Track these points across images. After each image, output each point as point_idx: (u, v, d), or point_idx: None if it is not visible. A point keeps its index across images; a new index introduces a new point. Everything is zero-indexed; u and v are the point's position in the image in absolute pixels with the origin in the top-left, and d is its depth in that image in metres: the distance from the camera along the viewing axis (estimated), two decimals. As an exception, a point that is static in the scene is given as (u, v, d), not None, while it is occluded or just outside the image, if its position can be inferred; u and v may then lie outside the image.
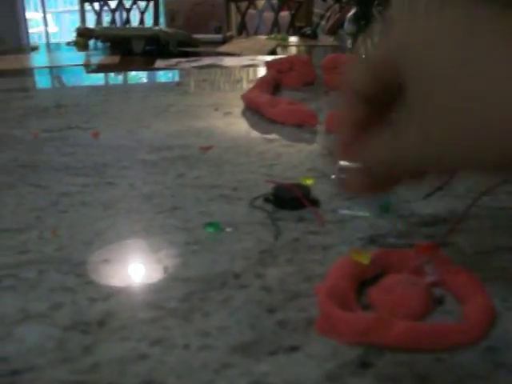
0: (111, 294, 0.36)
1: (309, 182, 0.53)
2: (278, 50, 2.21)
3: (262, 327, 0.33)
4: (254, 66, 1.77)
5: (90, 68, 1.99)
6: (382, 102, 0.32)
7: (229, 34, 2.52)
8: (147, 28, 2.60)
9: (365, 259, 0.37)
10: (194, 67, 1.79)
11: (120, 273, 0.39)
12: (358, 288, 0.36)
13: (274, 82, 0.88)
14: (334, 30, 3.76)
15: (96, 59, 2.08)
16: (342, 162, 0.52)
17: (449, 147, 0.27)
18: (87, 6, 3.36)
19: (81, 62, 2.06)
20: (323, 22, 4.23)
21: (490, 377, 0.29)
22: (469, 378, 0.29)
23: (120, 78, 1.20)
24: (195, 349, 0.31)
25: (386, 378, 0.29)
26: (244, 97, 0.79)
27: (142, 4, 3.28)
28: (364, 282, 0.36)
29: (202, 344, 0.31)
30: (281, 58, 0.95)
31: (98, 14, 3.33)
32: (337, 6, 3.81)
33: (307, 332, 0.32)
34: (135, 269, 0.39)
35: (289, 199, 0.47)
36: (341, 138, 0.35)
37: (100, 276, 0.38)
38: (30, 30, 5.43)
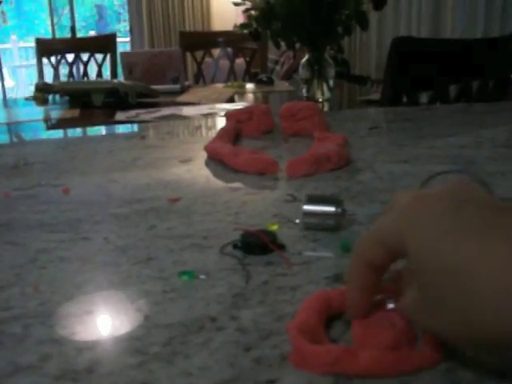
0: (97, 343, 0.38)
1: (274, 227, 0.56)
2: (236, 97, 2.27)
3: (241, 365, 0.35)
4: (213, 114, 1.82)
5: (50, 123, 2.01)
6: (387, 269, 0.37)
7: (186, 83, 2.58)
8: (106, 81, 2.64)
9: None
10: (155, 118, 1.83)
11: (103, 323, 0.41)
12: (326, 322, 0.39)
13: (235, 132, 0.92)
14: (288, 75, 3.86)
15: (56, 113, 2.11)
16: (306, 207, 0.55)
17: (436, 329, 0.33)
18: (44, 60, 3.39)
19: (40, 117, 2.08)
20: (278, 68, 4.34)
21: (448, 397, 0.32)
22: (429, 399, 0.32)
23: (83, 133, 1.23)
24: (180, 389, 0.33)
25: (355, 404, 0.32)
26: (207, 148, 0.82)
27: (99, 57, 3.34)
28: (331, 316, 0.40)
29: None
30: (240, 108, 0.99)
31: (56, 68, 3.36)
32: (290, 52, 3.93)
33: (282, 366, 0.35)
34: (117, 318, 0.42)
35: (256, 245, 0.51)
36: (350, 300, 0.38)
37: (84, 327, 0.41)
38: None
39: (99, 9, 6.92)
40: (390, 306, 0.39)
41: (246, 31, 2.04)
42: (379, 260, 0.35)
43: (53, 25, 5.74)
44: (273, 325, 0.40)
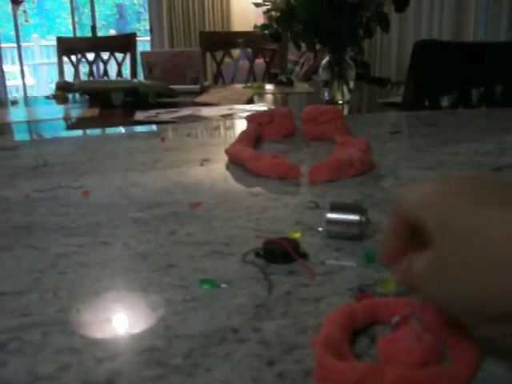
0: (116, 353, 0.38)
1: (296, 234, 0.55)
2: (255, 98, 2.26)
3: (263, 380, 0.35)
4: (233, 115, 1.82)
5: (70, 121, 2.02)
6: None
7: (206, 83, 2.57)
8: (126, 80, 2.64)
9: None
10: (174, 118, 1.83)
11: (123, 332, 0.40)
12: (351, 337, 0.38)
13: (256, 135, 0.91)
14: (308, 77, 3.85)
15: (76, 112, 2.11)
16: (329, 214, 0.54)
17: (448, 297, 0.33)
18: (65, 59, 3.41)
19: (60, 116, 2.09)
20: (297, 68, 4.33)
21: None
22: (459, 421, 0.31)
23: (103, 133, 1.22)
24: (201, 404, 0.33)
25: (382, 425, 0.31)
26: (228, 151, 0.82)
27: (119, 56, 3.34)
28: (356, 331, 0.39)
29: (207, 399, 0.33)
30: (261, 111, 0.98)
31: (76, 67, 3.38)
32: (310, 53, 3.91)
33: (306, 382, 0.34)
34: (137, 327, 0.41)
35: (279, 253, 0.50)
36: (387, 246, 0.39)
37: (104, 335, 0.40)
38: (7, 83, 5.46)
39: (119, 8, 6.95)
40: (395, 319, 0.38)
41: (266, 32, 2.03)
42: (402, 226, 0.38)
43: (74, 23, 5.77)
44: (296, 338, 0.39)
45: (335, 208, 0.55)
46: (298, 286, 0.46)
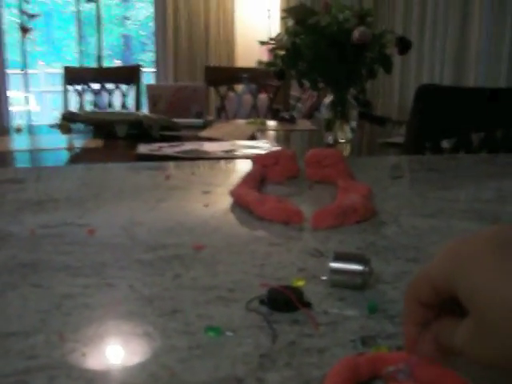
0: (122, 401, 0.38)
1: (300, 283, 0.56)
2: (258, 134, 2.28)
3: (267, 435, 0.35)
4: (235, 151, 1.83)
5: (73, 152, 2.03)
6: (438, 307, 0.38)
7: (209, 118, 2.60)
8: (130, 113, 2.67)
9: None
10: (177, 152, 1.84)
11: (128, 378, 0.41)
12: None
13: (260, 177, 0.93)
14: (310, 114, 3.89)
15: (79, 143, 2.13)
16: (333, 264, 0.55)
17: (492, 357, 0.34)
18: (70, 87, 3.45)
19: (64, 146, 2.11)
20: (300, 105, 4.37)
21: None
22: None
23: (108, 169, 1.24)
24: None
25: None
26: (233, 193, 0.83)
27: (124, 87, 3.38)
28: (359, 386, 0.39)
29: None
30: (266, 153, 1.00)
31: (80, 96, 3.41)
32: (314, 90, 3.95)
33: None
34: (142, 374, 0.41)
35: (283, 302, 0.50)
36: (406, 335, 0.39)
37: (108, 381, 0.40)
38: (11, 108, 5.50)
39: (126, 39, 7.04)
40: (390, 369, 0.39)
41: (271, 69, 2.05)
42: (429, 299, 0.37)
43: (79, 52, 5.84)
44: (300, 391, 0.39)
45: (339, 257, 0.56)
46: (301, 336, 0.47)
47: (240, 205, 0.81)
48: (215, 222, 0.76)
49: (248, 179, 0.88)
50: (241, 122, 2.65)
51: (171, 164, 1.24)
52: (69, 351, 0.44)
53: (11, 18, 5.51)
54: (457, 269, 0.35)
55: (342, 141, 1.97)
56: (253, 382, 0.40)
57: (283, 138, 2.32)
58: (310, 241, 0.70)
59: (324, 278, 0.56)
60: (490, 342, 0.33)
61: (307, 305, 0.51)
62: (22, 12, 5.25)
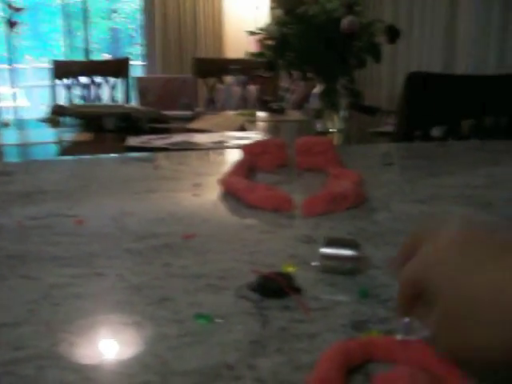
0: (112, 390, 0.38)
1: (290, 269, 0.56)
2: (247, 125, 2.27)
3: (259, 420, 0.35)
4: (224, 142, 1.82)
5: (63, 145, 2.02)
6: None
7: (198, 109, 2.59)
8: (119, 105, 2.65)
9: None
10: (166, 144, 1.83)
11: (118, 368, 0.40)
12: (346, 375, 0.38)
13: (250, 166, 0.92)
14: (300, 104, 3.87)
15: (68, 136, 2.12)
16: (324, 249, 0.55)
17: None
18: (58, 82, 3.42)
19: (53, 140, 2.09)
20: (289, 95, 4.35)
21: None
22: None
23: (97, 160, 1.23)
24: None
25: None
26: (222, 182, 0.82)
27: (112, 80, 3.36)
28: (351, 369, 0.39)
29: None
30: (255, 142, 0.99)
31: (69, 90, 3.38)
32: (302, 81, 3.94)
33: (301, 423, 0.34)
34: (133, 363, 0.41)
35: (273, 289, 0.50)
36: (398, 312, 0.42)
37: (98, 372, 0.40)
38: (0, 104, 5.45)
39: (114, 32, 6.99)
40: (399, 337, 0.40)
41: (261, 60, 2.05)
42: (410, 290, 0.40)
43: (67, 46, 5.80)
44: (291, 375, 0.39)
45: (330, 243, 0.55)
46: (292, 322, 0.46)
47: (230, 193, 0.80)
48: (205, 211, 0.76)
49: (237, 168, 0.88)
50: (230, 113, 2.64)
51: (160, 155, 1.23)
52: (57, 341, 0.44)
53: (-3, 13, 5.46)
54: (426, 268, 0.38)
55: (332, 130, 1.97)
56: (244, 368, 0.40)
57: (273, 129, 2.31)
58: (301, 228, 0.70)
59: (315, 263, 0.56)
60: (453, 335, 0.36)
61: (298, 291, 0.51)
62: (9, 6, 5.21)
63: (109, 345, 0.44)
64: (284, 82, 4.16)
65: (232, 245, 0.64)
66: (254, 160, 0.95)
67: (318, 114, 1.98)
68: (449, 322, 0.36)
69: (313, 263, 0.57)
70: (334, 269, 0.55)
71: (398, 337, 0.40)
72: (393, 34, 1.95)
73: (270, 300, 0.50)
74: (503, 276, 0.34)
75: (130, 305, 0.50)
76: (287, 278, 0.51)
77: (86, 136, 2.08)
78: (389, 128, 2.01)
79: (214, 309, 0.48)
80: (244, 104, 3.25)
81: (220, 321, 0.46)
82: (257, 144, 0.99)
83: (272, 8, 2.26)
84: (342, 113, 2.00)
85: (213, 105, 3.28)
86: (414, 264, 0.40)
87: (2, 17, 5.30)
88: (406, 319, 0.40)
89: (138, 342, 0.44)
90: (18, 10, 5.25)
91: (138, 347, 0.43)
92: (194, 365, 0.40)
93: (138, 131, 2.09)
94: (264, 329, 0.45)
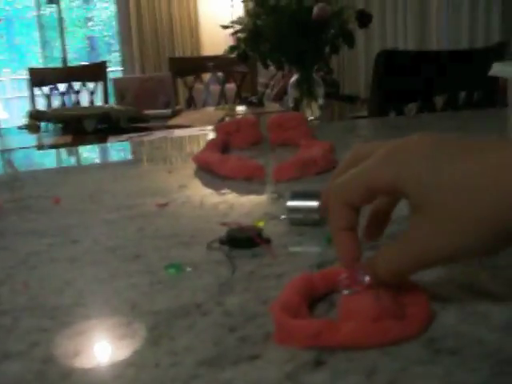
0: (85, 329, 0.39)
1: (260, 223, 0.57)
2: (226, 119, 2.28)
3: (225, 344, 0.36)
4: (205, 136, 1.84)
5: (43, 149, 2.02)
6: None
7: (178, 107, 2.60)
8: (98, 106, 2.67)
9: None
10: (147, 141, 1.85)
11: (92, 312, 0.42)
12: (310, 305, 0.40)
13: (223, 144, 0.93)
14: (279, 97, 3.90)
15: (48, 141, 2.13)
16: (290, 202, 0.56)
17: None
18: (37, 91, 3.42)
19: (33, 144, 2.10)
20: (268, 91, 4.38)
21: (432, 361, 0.33)
22: (414, 364, 0.33)
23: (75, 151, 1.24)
24: (165, 366, 0.34)
25: (338, 373, 0.33)
26: (195, 158, 0.84)
27: (91, 85, 3.37)
28: (315, 299, 0.41)
29: (171, 362, 0.35)
30: (228, 121, 1.01)
31: (48, 98, 3.39)
32: (280, 75, 3.97)
33: (266, 343, 0.36)
34: (106, 308, 0.43)
35: (242, 239, 0.52)
36: (340, 244, 0.40)
37: (73, 318, 0.41)
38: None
39: (91, 40, 6.99)
40: (345, 292, 0.38)
41: (234, 53, 2.06)
42: (361, 201, 0.39)
43: (44, 57, 5.79)
44: (258, 308, 0.41)
45: (295, 196, 0.57)
46: (260, 266, 0.48)
47: (203, 168, 0.82)
48: (179, 185, 0.77)
49: (211, 145, 0.89)
50: (210, 109, 2.66)
51: (136, 142, 1.24)
52: (33, 297, 0.45)
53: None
54: (401, 168, 0.36)
55: (311, 118, 1.99)
56: (212, 305, 0.42)
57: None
58: (272, 192, 0.71)
59: (283, 217, 0.58)
60: (449, 232, 0.35)
61: (267, 241, 0.53)
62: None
63: (83, 295, 0.45)
64: (263, 78, 4.18)
65: (204, 210, 0.65)
66: (227, 138, 0.97)
67: (296, 103, 2.00)
68: (444, 219, 0.35)
69: (281, 217, 0.58)
70: (302, 221, 0.57)
71: (345, 292, 0.38)
72: (364, 18, 1.98)
73: (240, 250, 0.51)
74: (488, 161, 0.34)
75: (104, 263, 0.51)
76: (256, 229, 0.53)
77: (66, 139, 2.09)
78: (366, 113, 2.03)
79: (185, 261, 0.50)
80: (224, 101, 3.27)
81: (190, 269, 0.48)
82: (230, 123, 1.01)
83: (244, 1, 2.27)
84: (320, 100, 2.01)
85: (193, 103, 3.29)
86: (376, 169, 0.38)
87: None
88: (344, 275, 0.39)
89: (109, 291, 0.45)
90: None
91: (110, 295, 0.45)
92: (164, 306, 0.42)
93: (119, 131, 2.10)
94: (233, 273, 0.47)
